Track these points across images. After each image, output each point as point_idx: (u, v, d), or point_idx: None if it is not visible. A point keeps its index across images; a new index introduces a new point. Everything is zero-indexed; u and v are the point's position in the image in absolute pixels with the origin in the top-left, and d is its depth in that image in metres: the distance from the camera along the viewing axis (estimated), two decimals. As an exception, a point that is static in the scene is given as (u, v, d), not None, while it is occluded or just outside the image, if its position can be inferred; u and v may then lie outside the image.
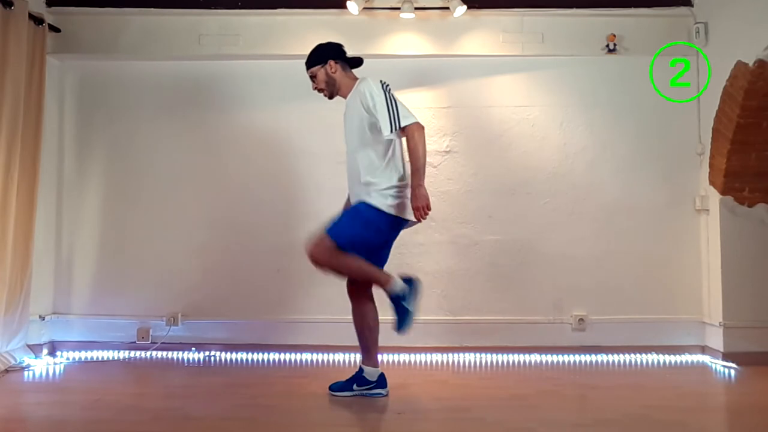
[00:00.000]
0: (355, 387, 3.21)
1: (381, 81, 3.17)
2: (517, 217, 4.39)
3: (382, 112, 3.08)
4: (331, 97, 3.35)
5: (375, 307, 3.25)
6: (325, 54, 3.29)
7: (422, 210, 3.02)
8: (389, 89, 3.15)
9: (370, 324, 3.22)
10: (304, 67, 3.38)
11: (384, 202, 3.09)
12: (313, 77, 3.31)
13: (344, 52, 3.34)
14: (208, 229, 4.41)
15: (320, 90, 3.33)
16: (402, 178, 3.16)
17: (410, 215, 3.12)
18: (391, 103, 3.10)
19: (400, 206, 3.12)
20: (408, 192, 3.12)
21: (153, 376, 3.81)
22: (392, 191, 3.11)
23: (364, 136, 3.16)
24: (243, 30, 4.41)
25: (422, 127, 3.12)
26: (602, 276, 4.34)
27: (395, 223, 3.15)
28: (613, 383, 3.61)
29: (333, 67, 3.27)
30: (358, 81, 3.26)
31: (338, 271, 3.18)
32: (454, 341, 4.29)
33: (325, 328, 4.27)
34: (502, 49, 4.39)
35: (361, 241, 3.11)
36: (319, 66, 3.28)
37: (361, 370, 3.23)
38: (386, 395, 3.20)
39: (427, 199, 3.04)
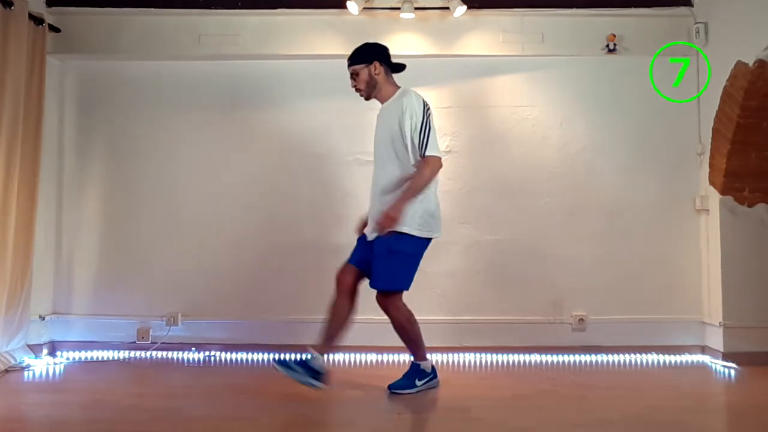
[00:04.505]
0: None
1: (425, 105, 3.19)
2: (517, 217, 4.39)
3: (415, 137, 3.13)
4: (368, 98, 3.33)
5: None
6: (372, 54, 3.28)
7: (383, 225, 3.07)
8: (429, 113, 3.18)
9: (407, 323, 3.25)
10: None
11: (413, 224, 3.15)
12: (355, 75, 3.28)
13: (389, 56, 3.34)
14: (208, 228, 4.41)
15: (359, 89, 3.31)
16: (427, 198, 3.21)
17: (437, 232, 3.26)
18: (425, 130, 3.13)
19: (427, 225, 3.20)
20: (436, 210, 3.25)
21: (153, 376, 3.81)
22: (419, 211, 3.16)
23: (395, 149, 3.20)
24: (243, 30, 4.40)
25: (439, 162, 3.17)
26: (602, 276, 4.34)
27: (427, 243, 3.25)
28: (613, 383, 3.61)
29: (378, 69, 3.26)
30: (400, 91, 3.27)
31: (400, 324, 3.26)
32: (454, 341, 4.29)
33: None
34: (502, 49, 4.39)
35: (412, 272, 3.23)
36: (363, 65, 3.26)
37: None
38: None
39: (395, 221, 3.07)
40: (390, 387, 3.26)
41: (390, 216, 3.07)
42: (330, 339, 3.20)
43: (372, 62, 3.25)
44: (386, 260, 3.16)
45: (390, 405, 3.10)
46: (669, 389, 3.46)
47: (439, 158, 3.18)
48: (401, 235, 3.14)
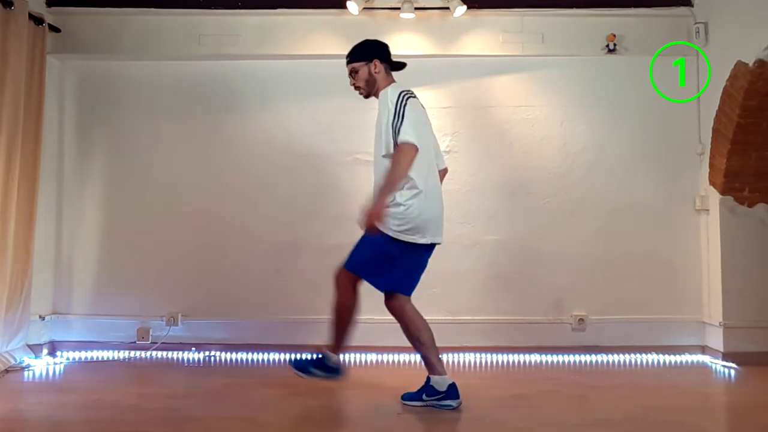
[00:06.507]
0: (424, 397, 3.06)
1: (401, 94, 3.03)
2: (517, 217, 4.39)
3: (386, 131, 2.99)
4: (367, 96, 3.21)
5: (420, 315, 3.13)
6: (372, 52, 3.17)
7: (365, 223, 2.91)
8: (404, 103, 3.00)
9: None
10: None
11: (391, 223, 2.98)
12: (354, 73, 3.17)
13: (390, 54, 3.23)
14: (208, 228, 4.41)
15: (357, 87, 3.20)
16: (414, 196, 3.00)
17: (427, 238, 3.02)
18: (398, 119, 2.96)
19: (412, 230, 2.99)
20: (425, 213, 3.01)
21: (153, 376, 3.81)
22: (401, 211, 2.98)
23: (381, 144, 3.08)
24: (243, 30, 4.41)
25: (413, 149, 2.95)
26: (602, 276, 4.34)
27: (407, 247, 3.01)
28: (613, 383, 3.61)
29: (377, 67, 3.15)
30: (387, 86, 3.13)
31: (338, 303, 3.13)
32: (454, 341, 4.29)
33: (325, 328, 4.25)
34: (502, 49, 4.39)
35: (370, 265, 3.05)
36: (363, 63, 3.15)
37: (428, 379, 3.08)
38: (456, 407, 3.00)
39: (378, 217, 2.90)
40: (290, 361, 3.19)
41: (370, 212, 2.92)
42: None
43: (372, 60, 3.15)
44: (360, 244, 3.09)
45: (390, 405, 3.10)
46: (669, 389, 3.47)
47: (412, 144, 2.93)
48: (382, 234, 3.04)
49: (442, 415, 2.95)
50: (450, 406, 3.02)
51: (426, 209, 3.03)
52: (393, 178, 2.95)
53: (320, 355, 3.14)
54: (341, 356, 3.18)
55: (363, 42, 3.25)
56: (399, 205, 3.00)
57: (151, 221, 4.44)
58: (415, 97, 3.09)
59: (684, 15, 4.35)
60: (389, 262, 3.03)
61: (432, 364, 3.09)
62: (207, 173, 4.46)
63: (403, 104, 3.00)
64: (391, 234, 3.01)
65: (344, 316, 3.13)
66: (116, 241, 4.44)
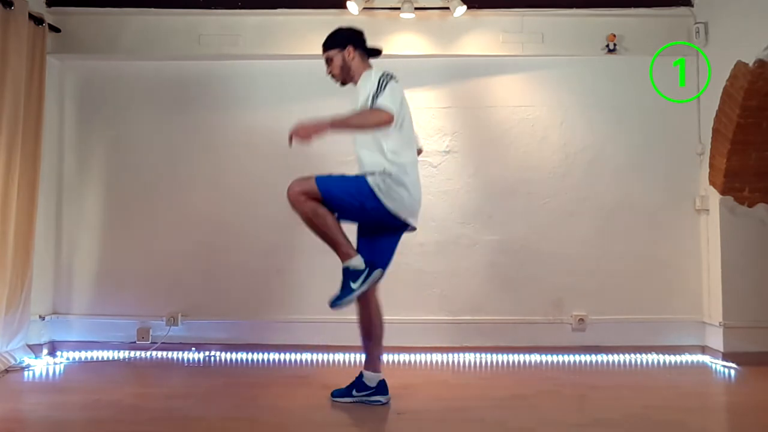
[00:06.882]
0: (354, 393, 3.11)
1: (384, 73, 3.02)
2: (517, 217, 4.39)
3: (363, 99, 2.98)
4: (343, 84, 3.22)
5: (380, 311, 3.14)
6: (345, 39, 3.17)
7: (296, 130, 2.85)
8: (386, 82, 2.97)
9: (313, 215, 3.00)
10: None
11: (379, 185, 2.96)
12: (329, 61, 3.19)
13: (364, 40, 3.22)
14: (208, 229, 4.41)
15: (333, 75, 3.21)
16: (400, 174, 2.98)
17: (405, 216, 3.01)
18: (380, 90, 2.93)
19: (395, 202, 2.97)
20: (409, 191, 2.99)
21: (153, 376, 3.82)
22: (387, 179, 2.96)
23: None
24: (243, 30, 4.41)
25: (388, 115, 2.88)
26: (602, 276, 4.34)
27: (384, 213, 2.99)
28: (613, 383, 3.61)
29: (351, 53, 3.15)
30: (366, 71, 3.12)
31: (307, 218, 3.01)
32: (454, 341, 4.29)
33: (325, 328, 4.26)
34: (502, 49, 4.39)
35: (341, 204, 3.00)
36: (337, 50, 3.16)
37: (361, 375, 3.13)
38: (386, 403, 3.07)
39: (309, 133, 2.83)
40: (331, 303, 2.98)
41: (306, 125, 2.84)
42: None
43: (345, 47, 3.15)
44: (343, 177, 3.05)
45: (390, 405, 3.10)
46: (669, 389, 3.47)
47: (389, 112, 2.88)
48: (367, 183, 2.99)
49: (442, 415, 2.96)
50: (379, 401, 3.08)
51: (408, 188, 3.01)
52: (352, 120, 2.91)
53: (345, 270, 3.00)
54: (357, 257, 2.99)
55: (336, 30, 3.24)
56: (388, 174, 2.97)
57: (151, 221, 4.43)
58: (398, 81, 3.06)
59: (684, 15, 4.35)
60: (352, 197, 2.99)
61: (371, 360, 3.14)
62: (207, 173, 4.46)
63: (386, 81, 2.98)
64: (375, 190, 2.96)
65: (323, 221, 3.01)
66: (116, 241, 4.44)
